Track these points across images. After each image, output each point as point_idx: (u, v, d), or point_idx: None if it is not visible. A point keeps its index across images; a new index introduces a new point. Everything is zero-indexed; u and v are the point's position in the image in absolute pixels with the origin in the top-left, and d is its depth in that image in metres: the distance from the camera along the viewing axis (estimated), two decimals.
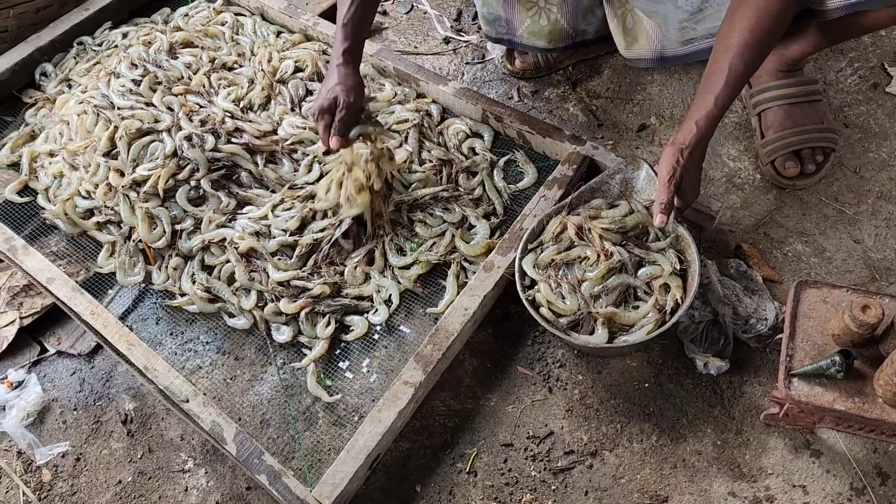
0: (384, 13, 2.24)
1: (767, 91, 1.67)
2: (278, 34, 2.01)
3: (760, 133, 1.67)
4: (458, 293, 1.45)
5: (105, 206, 1.62)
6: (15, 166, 1.79)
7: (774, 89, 1.65)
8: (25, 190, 1.74)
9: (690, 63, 1.78)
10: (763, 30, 1.26)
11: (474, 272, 1.48)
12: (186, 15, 2.07)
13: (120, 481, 1.39)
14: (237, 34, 2.01)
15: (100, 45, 2.01)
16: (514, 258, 1.41)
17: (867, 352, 1.17)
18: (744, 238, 1.57)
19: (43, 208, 1.69)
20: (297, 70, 1.87)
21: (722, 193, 1.65)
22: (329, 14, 2.09)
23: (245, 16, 2.06)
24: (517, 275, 1.39)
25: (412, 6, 2.24)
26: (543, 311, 1.34)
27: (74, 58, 1.99)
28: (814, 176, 1.62)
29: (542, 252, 1.41)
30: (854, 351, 1.16)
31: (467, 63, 2.06)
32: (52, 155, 1.75)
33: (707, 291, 1.43)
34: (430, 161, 1.67)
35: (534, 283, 1.38)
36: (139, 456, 1.42)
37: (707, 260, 1.47)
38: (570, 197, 1.46)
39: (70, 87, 1.91)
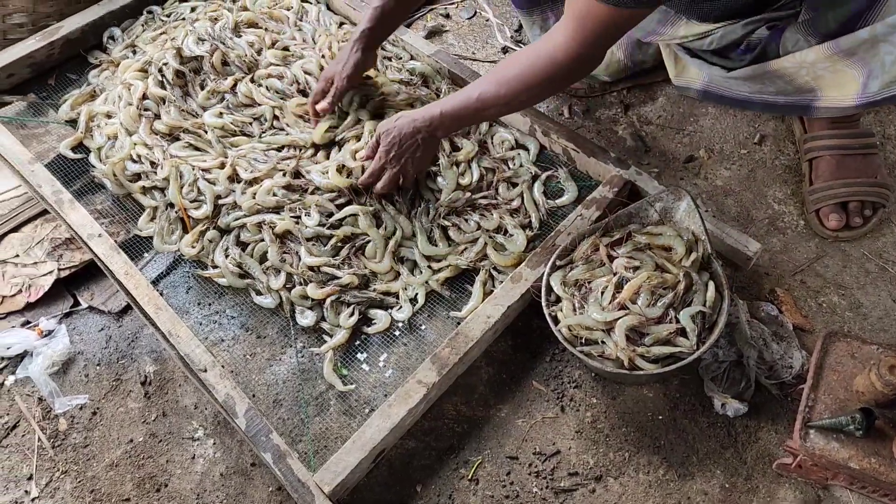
0: (447, 17, 2.25)
1: (820, 139, 1.64)
2: (340, 25, 2.04)
3: (809, 180, 1.64)
4: (483, 300, 1.46)
5: (152, 173, 1.66)
6: (73, 123, 1.85)
7: (827, 138, 1.62)
8: (79, 147, 1.79)
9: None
10: (521, 83, 1.32)
11: (502, 282, 1.48)
12: None
13: (132, 440, 1.43)
14: (301, 20, 2.04)
15: (168, 15, 2.06)
16: (543, 273, 1.41)
17: (890, 413, 1.14)
18: (779, 283, 1.54)
19: (93, 167, 1.74)
20: None
21: (763, 235, 1.62)
22: None
23: (311, 3, 2.09)
24: (543, 290, 1.38)
25: (475, 12, 2.26)
26: (564, 329, 1.33)
27: (143, 25, 2.05)
28: (859, 230, 1.58)
29: (570, 270, 1.41)
30: (877, 411, 1.13)
31: None
32: (109, 116, 1.79)
33: (734, 331, 1.40)
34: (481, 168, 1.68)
35: (559, 300, 1.38)
36: (153, 418, 1.45)
37: (738, 300, 1.45)
38: (606, 219, 1.45)
39: (134, 52, 1.96)
